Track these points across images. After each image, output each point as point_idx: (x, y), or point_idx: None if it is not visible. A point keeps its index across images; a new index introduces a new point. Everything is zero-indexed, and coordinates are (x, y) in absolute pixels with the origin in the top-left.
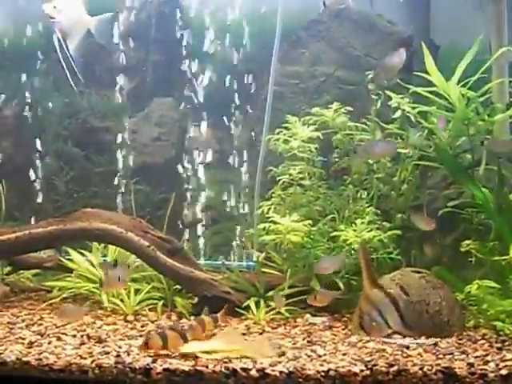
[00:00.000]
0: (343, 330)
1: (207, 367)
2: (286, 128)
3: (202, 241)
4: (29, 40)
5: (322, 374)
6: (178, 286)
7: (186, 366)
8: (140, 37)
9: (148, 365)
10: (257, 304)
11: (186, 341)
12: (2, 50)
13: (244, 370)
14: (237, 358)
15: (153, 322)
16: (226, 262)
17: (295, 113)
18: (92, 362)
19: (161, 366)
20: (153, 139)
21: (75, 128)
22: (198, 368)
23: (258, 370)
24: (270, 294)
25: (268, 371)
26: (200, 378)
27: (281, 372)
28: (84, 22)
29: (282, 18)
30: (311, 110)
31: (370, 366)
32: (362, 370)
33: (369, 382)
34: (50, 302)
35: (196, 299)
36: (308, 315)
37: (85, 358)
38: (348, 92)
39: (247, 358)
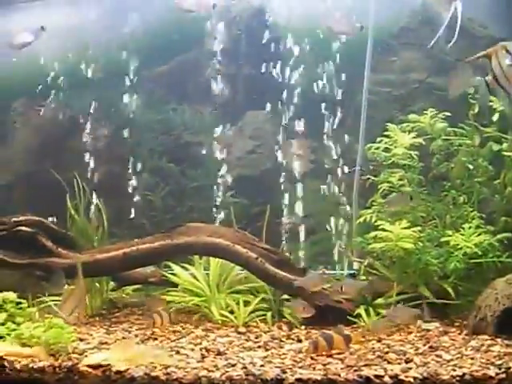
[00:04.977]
0: (459, 334)
1: (340, 375)
2: (387, 136)
3: (301, 251)
4: (120, 59)
5: (458, 378)
6: (285, 296)
7: (317, 375)
8: (231, 51)
9: (279, 375)
10: (366, 312)
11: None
12: (95, 70)
13: (377, 377)
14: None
15: (265, 332)
16: (326, 272)
17: (389, 120)
18: (221, 375)
19: (292, 376)
20: (247, 152)
21: (170, 144)
22: (331, 377)
23: (391, 377)
24: (379, 301)
25: (402, 377)
26: None
27: (415, 378)
28: None
29: (373, 27)
30: (406, 117)
31: (504, 369)
32: (497, 374)
33: None
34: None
35: None
36: (420, 321)
37: (212, 371)
38: (442, 97)
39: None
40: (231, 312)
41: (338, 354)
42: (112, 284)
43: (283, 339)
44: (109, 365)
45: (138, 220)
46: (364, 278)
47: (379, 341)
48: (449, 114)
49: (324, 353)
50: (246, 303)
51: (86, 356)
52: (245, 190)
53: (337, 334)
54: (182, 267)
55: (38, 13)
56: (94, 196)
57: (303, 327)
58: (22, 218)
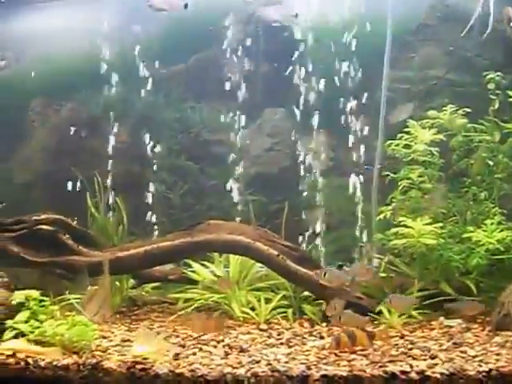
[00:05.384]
0: (482, 330)
1: (365, 371)
2: (407, 132)
3: (320, 247)
4: (138, 58)
5: (484, 374)
6: (305, 293)
7: (343, 371)
8: (248, 49)
9: (304, 372)
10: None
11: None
12: (113, 69)
13: (403, 372)
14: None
15: (287, 329)
16: (345, 268)
17: (408, 117)
18: (246, 371)
19: (317, 372)
20: (266, 149)
21: (188, 142)
22: (356, 373)
23: (417, 373)
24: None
25: (428, 373)
26: (359, 382)
27: (441, 373)
28: None
29: (391, 24)
30: (425, 114)
31: None
32: None
33: None
34: (180, 313)
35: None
36: (442, 318)
37: (237, 368)
38: (461, 94)
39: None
40: (252, 309)
41: (362, 350)
42: (132, 282)
43: (305, 336)
44: (134, 362)
45: (158, 218)
46: (384, 274)
47: (402, 337)
48: (469, 109)
49: (347, 349)
50: (267, 300)
51: (110, 354)
52: (264, 187)
53: (360, 330)
54: (202, 265)
55: (56, 12)
56: (114, 194)
57: (324, 324)
58: (42, 217)
